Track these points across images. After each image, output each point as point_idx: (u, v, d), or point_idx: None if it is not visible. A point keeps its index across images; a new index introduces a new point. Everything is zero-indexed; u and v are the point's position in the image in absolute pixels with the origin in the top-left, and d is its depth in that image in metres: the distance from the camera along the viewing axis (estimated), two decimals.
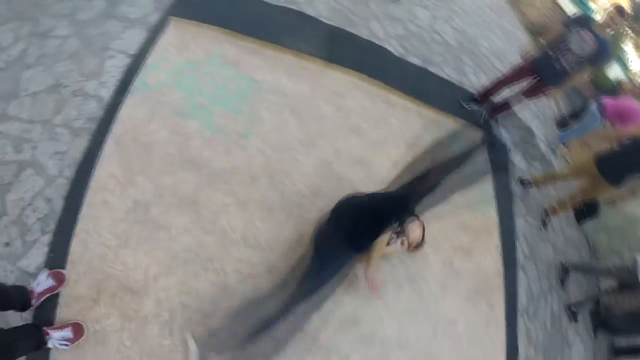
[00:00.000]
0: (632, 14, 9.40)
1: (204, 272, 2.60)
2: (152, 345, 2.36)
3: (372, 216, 2.53)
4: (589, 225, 5.70)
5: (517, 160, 5.10)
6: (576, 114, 6.59)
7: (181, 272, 2.55)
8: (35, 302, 2.16)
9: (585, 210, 5.51)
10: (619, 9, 3.83)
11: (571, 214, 5.59)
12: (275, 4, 3.99)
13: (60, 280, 2.26)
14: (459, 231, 3.73)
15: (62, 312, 2.25)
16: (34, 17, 3.19)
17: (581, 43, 3.87)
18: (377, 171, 3.48)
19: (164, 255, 2.56)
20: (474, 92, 4.76)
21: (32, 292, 2.15)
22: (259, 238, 2.81)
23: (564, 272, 4.64)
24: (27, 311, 2.18)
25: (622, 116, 5.25)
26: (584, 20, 3.98)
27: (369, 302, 3.04)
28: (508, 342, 3.79)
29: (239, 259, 2.70)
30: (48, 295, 2.21)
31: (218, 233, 2.72)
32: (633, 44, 10.54)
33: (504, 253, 4.06)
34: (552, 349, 4.34)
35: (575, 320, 4.55)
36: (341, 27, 4.26)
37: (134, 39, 3.20)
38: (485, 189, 4.27)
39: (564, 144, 5.99)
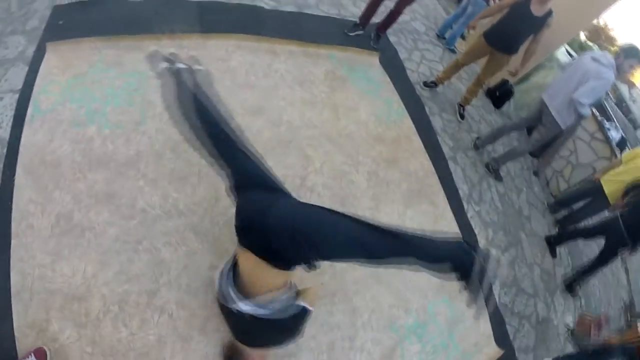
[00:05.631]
0: None
1: (136, 256, 2.48)
2: (111, 343, 2.25)
3: None
4: (509, 107, 5.69)
5: (416, 67, 4.99)
6: None
7: (116, 263, 2.43)
8: None
9: (500, 94, 5.48)
10: None
11: (489, 103, 5.57)
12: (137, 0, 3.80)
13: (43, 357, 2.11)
14: (376, 144, 3.60)
15: (22, 344, 2.12)
16: None
17: None
18: (276, 114, 3.37)
19: (96, 253, 2.43)
20: (355, 19, 4.61)
21: None
22: (178, 206, 2.68)
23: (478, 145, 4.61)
24: None
25: None
26: None
27: None
28: (463, 231, 3.71)
29: (166, 232, 2.58)
30: None
31: (139, 215, 2.59)
32: None
33: (428, 152, 3.93)
34: (510, 225, 4.30)
35: (498, 177, 4.52)
36: None
37: (17, 76, 3.02)
38: (392, 101, 4.16)
39: (452, 49, 5.89)
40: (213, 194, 2.79)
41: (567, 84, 3.76)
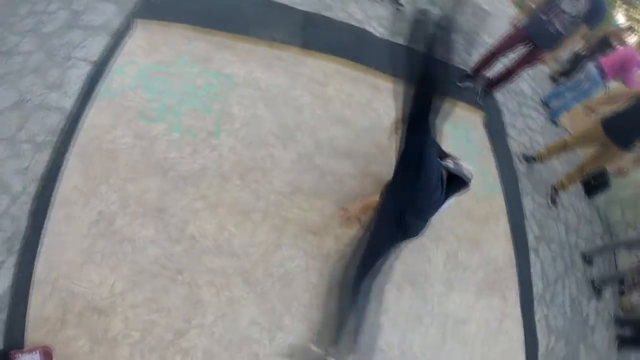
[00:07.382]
0: None
1: (173, 286, 2.30)
2: None
3: None
4: (601, 198, 5.23)
5: (518, 135, 4.69)
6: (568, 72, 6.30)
7: (149, 288, 2.27)
8: None
9: (595, 183, 5.04)
10: None
11: (580, 189, 5.13)
12: None
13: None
14: (464, 221, 3.34)
15: (30, 335, 2.05)
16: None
17: (574, 2, 3.54)
18: (364, 162, 3.12)
19: (129, 270, 2.28)
20: (466, 69, 4.38)
21: None
22: (232, 243, 2.49)
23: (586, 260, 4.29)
24: None
25: (622, 67, 4.83)
26: None
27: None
28: (526, 335, 3.36)
29: (211, 269, 2.39)
30: None
31: (187, 241, 2.42)
32: (624, 15, 10.02)
33: (514, 238, 3.64)
34: (573, 335, 3.90)
35: (599, 297, 4.17)
36: (316, 11, 3.91)
37: (96, 46, 2.96)
38: (488, 172, 3.86)
39: (555, 122, 5.53)
40: (275, 240, 2.58)
41: None
